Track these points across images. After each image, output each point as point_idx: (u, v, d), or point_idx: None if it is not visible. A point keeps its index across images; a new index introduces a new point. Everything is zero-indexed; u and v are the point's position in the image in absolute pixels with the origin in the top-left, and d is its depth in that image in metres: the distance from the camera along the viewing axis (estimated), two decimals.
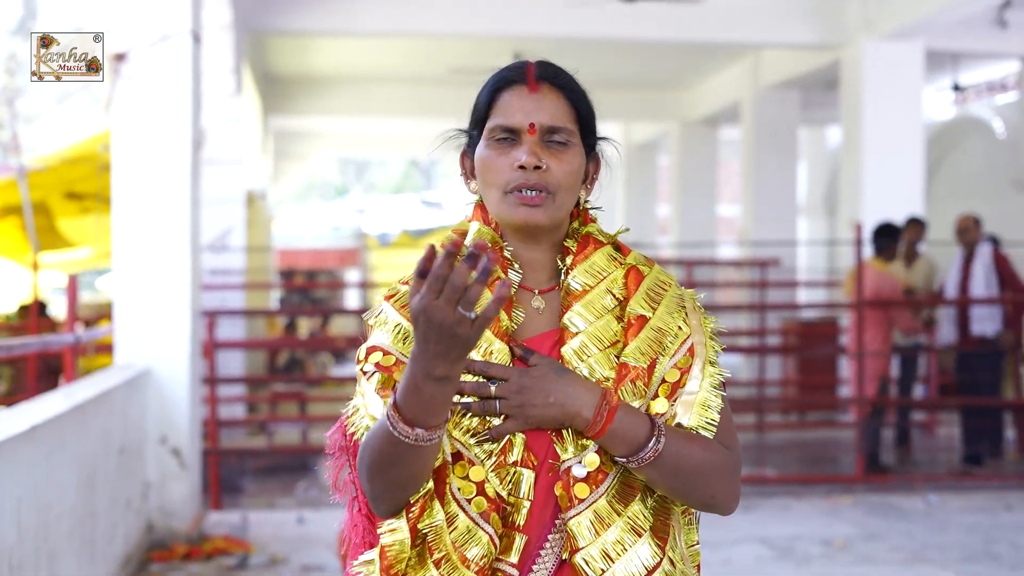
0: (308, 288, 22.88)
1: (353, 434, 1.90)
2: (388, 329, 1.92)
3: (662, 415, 1.88)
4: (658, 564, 1.85)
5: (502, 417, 1.84)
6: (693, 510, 1.99)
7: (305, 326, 20.25)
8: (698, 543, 2.00)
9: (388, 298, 1.96)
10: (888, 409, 9.96)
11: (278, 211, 23.00)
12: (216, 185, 10.35)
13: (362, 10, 11.58)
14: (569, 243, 1.98)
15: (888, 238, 9.55)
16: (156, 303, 6.90)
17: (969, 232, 9.80)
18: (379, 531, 1.85)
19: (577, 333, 1.90)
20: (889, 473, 9.23)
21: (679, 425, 1.89)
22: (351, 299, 24.32)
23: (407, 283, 1.95)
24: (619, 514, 1.85)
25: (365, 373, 1.91)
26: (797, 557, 6.78)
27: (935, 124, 16.91)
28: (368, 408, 1.88)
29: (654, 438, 1.83)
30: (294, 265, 21.89)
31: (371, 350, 1.92)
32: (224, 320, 10.04)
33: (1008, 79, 14.68)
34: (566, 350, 1.89)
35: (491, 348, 1.87)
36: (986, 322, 9.65)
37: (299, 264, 22.13)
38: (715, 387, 1.93)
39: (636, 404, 1.87)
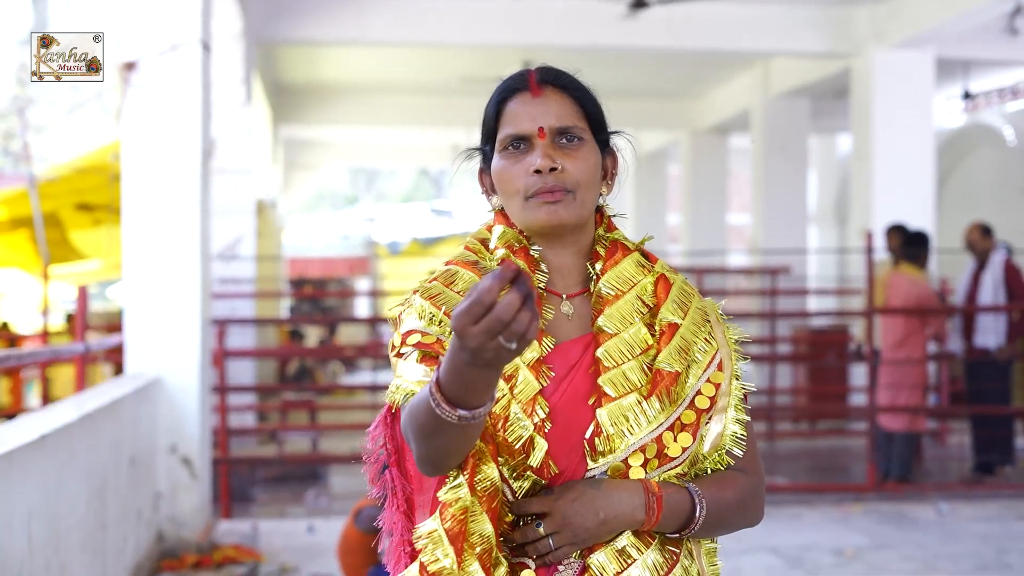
0: (318, 297, 22.89)
1: (395, 405, 1.86)
2: (416, 315, 1.89)
3: (687, 449, 1.89)
4: (672, 567, 1.88)
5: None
6: None
7: (313, 335, 20.26)
8: (716, 546, 2.01)
9: (415, 292, 1.93)
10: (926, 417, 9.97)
11: (288, 220, 23.01)
12: (226, 194, 10.37)
13: (372, 20, 11.59)
14: (599, 248, 1.98)
15: (919, 246, 9.49)
16: (166, 312, 6.89)
17: (976, 243, 9.75)
18: (439, 494, 1.79)
19: (610, 336, 1.89)
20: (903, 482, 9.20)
21: (703, 457, 1.93)
22: (361, 308, 24.34)
23: (434, 280, 1.93)
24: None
25: (402, 355, 1.86)
26: (808, 566, 6.76)
27: (946, 132, 16.88)
28: (408, 376, 1.83)
29: (698, 506, 1.87)
30: (304, 274, 21.91)
31: (408, 334, 1.88)
32: (234, 329, 10.05)
33: (1019, 86, 14.63)
34: (600, 352, 1.88)
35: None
36: (989, 334, 9.58)
37: (309, 273, 22.16)
38: (740, 400, 1.98)
39: (667, 413, 1.87)
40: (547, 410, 1.84)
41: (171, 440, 6.89)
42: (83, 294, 6.94)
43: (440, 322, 1.86)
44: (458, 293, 1.89)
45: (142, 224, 6.91)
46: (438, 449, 1.73)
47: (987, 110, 15.82)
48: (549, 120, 1.90)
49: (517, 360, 1.83)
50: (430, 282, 1.93)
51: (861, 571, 6.70)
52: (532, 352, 1.86)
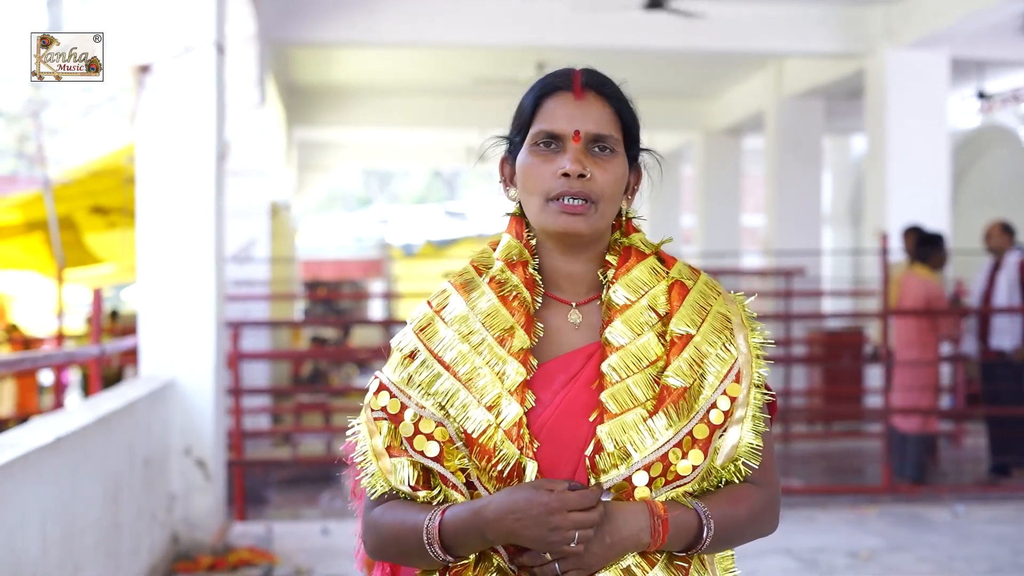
0: (332, 299, 22.90)
1: (360, 482, 1.91)
2: (398, 361, 1.91)
3: (697, 468, 1.84)
4: None
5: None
6: None
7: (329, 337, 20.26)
8: (732, 553, 1.97)
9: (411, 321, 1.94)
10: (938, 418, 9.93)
11: (302, 222, 23.05)
12: (240, 196, 10.38)
13: (385, 21, 11.60)
14: (611, 257, 1.93)
15: (934, 246, 9.45)
16: (180, 314, 6.91)
17: (993, 238, 9.71)
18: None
19: (617, 348, 1.85)
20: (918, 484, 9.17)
21: (717, 470, 1.88)
22: (375, 310, 24.35)
23: (429, 303, 1.94)
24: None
25: (373, 411, 1.91)
26: (822, 568, 6.73)
27: (960, 133, 16.82)
28: (394, 472, 1.87)
29: (705, 527, 1.83)
30: (318, 276, 21.92)
31: (381, 387, 1.92)
32: (248, 331, 10.06)
33: None
34: (605, 366, 1.84)
35: (503, 369, 1.83)
36: (1005, 336, 9.53)
37: (323, 275, 22.16)
38: (759, 410, 1.91)
39: (675, 430, 1.82)
40: (529, 433, 1.81)
41: (185, 442, 6.90)
42: (98, 297, 6.96)
43: (409, 380, 1.89)
44: (447, 323, 1.89)
45: (157, 227, 6.92)
46: (410, 565, 1.84)
47: (1002, 111, 15.77)
48: (587, 125, 1.87)
49: (500, 388, 1.82)
50: (427, 303, 1.94)
51: (876, 573, 6.67)
52: (518, 376, 1.83)
